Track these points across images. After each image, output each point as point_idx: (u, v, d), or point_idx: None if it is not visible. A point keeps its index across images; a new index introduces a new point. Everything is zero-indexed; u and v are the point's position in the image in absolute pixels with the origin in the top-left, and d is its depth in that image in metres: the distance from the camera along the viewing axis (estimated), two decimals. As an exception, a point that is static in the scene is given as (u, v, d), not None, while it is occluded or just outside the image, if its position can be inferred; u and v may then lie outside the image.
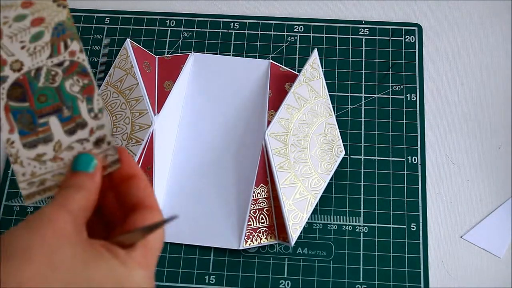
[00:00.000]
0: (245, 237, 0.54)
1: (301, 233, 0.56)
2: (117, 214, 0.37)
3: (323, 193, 0.56)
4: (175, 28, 0.66)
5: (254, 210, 0.54)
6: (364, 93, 0.62)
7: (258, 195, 0.54)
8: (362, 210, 0.57)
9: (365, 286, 0.54)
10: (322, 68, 0.61)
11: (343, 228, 0.57)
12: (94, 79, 0.39)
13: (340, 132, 0.59)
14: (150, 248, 0.34)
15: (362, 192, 0.58)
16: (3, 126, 0.39)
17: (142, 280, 0.32)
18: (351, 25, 0.65)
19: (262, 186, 0.55)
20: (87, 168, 0.37)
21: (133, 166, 0.38)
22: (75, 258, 0.30)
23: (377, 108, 0.61)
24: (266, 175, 0.55)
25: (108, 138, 0.39)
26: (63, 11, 0.39)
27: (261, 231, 0.54)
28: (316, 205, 0.56)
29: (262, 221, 0.54)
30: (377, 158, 0.59)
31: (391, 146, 0.60)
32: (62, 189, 0.35)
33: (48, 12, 0.39)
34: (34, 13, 0.38)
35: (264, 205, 0.54)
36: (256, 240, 0.54)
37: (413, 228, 0.56)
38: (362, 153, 0.60)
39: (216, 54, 0.64)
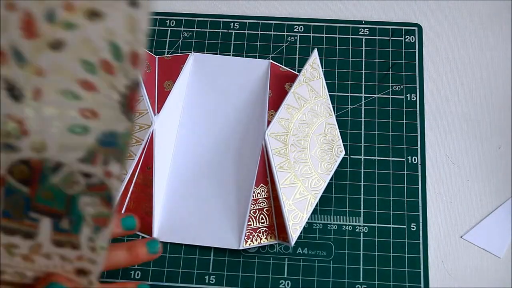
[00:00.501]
0: (245, 237, 0.54)
1: (301, 233, 0.56)
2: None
3: (323, 193, 0.56)
4: (175, 28, 0.66)
5: (254, 210, 0.54)
6: (364, 93, 0.62)
7: (258, 195, 0.54)
8: (362, 210, 0.57)
9: (365, 286, 0.54)
10: (322, 68, 0.61)
11: (343, 228, 0.57)
12: (113, 215, 0.32)
13: (340, 132, 0.59)
14: None
15: (362, 192, 0.58)
16: None
17: None
18: (351, 25, 0.65)
19: (262, 186, 0.55)
20: (152, 249, 0.38)
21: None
22: None
23: (377, 108, 0.61)
24: (266, 175, 0.55)
25: (92, 277, 0.34)
26: (126, 123, 0.29)
27: (261, 231, 0.54)
28: (316, 205, 0.56)
29: (262, 221, 0.54)
30: (377, 158, 0.59)
31: (391, 146, 0.60)
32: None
33: (107, 111, 0.29)
34: (89, 101, 0.29)
35: (264, 205, 0.54)
36: (256, 240, 0.54)
37: (413, 228, 0.56)
38: (362, 153, 0.60)
39: (216, 54, 0.64)
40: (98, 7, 0.27)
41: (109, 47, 0.28)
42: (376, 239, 0.56)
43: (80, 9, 0.27)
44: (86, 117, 0.29)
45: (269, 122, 0.56)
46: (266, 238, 0.54)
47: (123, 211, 0.55)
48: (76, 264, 0.34)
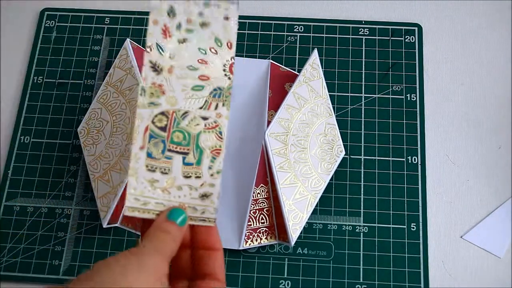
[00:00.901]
0: (245, 237, 0.54)
1: (301, 233, 0.56)
2: (184, 269, 0.42)
3: (323, 193, 0.56)
4: (175, 28, 0.66)
5: (254, 210, 0.54)
6: (364, 93, 0.62)
7: (258, 195, 0.54)
8: (362, 210, 0.57)
9: (365, 286, 0.54)
10: (322, 68, 0.61)
11: (343, 228, 0.57)
12: (224, 147, 0.45)
13: (340, 132, 0.59)
14: None
15: (362, 192, 0.58)
16: (136, 141, 0.45)
17: None
18: (351, 25, 0.65)
19: (262, 186, 0.55)
20: (178, 221, 0.42)
21: (218, 241, 0.43)
22: None
23: (377, 108, 0.61)
24: (266, 175, 0.55)
25: (214, 197, 0.45)
26: (227, 81, 0.47)
27: (261, 231, 0.54)
28: (316, 205, 0.56)
29: (262, 221, 0.54)
30: (377, 158, 0.59)
31: (391, 146, 0.60)
32: (157, 230, 0.40)
33: (215, 75, 0.47)
34: (204, 71, 0.47)
35: (264, 205, 0.54)
36: (256, 240, 0.54)
37: (413, 228, 0.56)
38: (362, 153, 0.60)
39: (216, 54, 0.64)
40: (206, 20, 0.47)
41: (213, 40, 0.47)
42: (376, 239, 0.56)
43: (195, 23, 0.47)
44: (202, 79, 0.47)
45: (269, 122, 0.56)
46: (266, 238, 0.54)
47: (123, 211, 0.55)
48: (200, 190, 0.45)
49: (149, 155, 0.45)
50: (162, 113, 0.46)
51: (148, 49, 0.47)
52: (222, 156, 0.45)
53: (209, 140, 0.46)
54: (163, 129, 0.46)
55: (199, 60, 0.48)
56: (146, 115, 0.46)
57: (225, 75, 0.48)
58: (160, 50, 0.48)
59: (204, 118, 0.46)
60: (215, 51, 0.48)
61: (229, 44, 0.48)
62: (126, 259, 0.37)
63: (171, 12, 0.48)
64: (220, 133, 0.46)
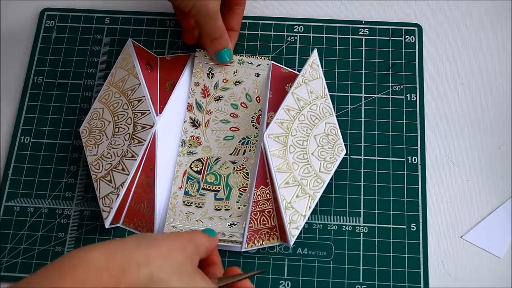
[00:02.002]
0: (247, 239, 0.54)
1: (301, 233, 0.56)
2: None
3: (323, 193, 0.56)
4: (175, 28, 0.66)
5: (255, 212, 0.54)
6: (364, 93, 0.62)
7: (259, 196, 0.54)
8: (362, 210, 0.57)
9: (365, 286, 0.55)
10: (322, 68, 0.61)
11: (343, 229, 0.57)
12: (253, 187, 0.54)
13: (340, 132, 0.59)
14: None
15: (362, 192, 0.58)
16: (176, 183, 0.57)
17: None
18: (351, 25, 0.65)
19: (262, 188, 0.55)
20: (211, 234, 0.49)
21: (218, 260, 0.50)
22: (184, 264, 0.42)
23: (377, 108, 0.61)
24: (266, 177, 0.55)
25: (240, 225, 0.54)
26: (254, 130, 0.58)
27: (263, 232, 0.54)
28: (316, 205, 0.56)
29: (264, 222, 0.54)
30: (377, 158, 0.59)
31: (391, 146, 0.60)
32: (195, 232, 0.47)
33: (244, 126, 0.58)
34: (235, 123, 0.58)
35: (265, 207, 0.54)
36: (258, 241, 0.54)
37: (413, 228, 0.57)
38: (362, 153, 0.60)
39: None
40: (240, 79, 0.60)
41: (245, 95, 0.59)
42: (376, 239, 0.56)
43: (230, 81, 0.59)
44: (233, 131, 0.58)
45: (268, 124, 0.56)
46: (268, 239, 0.54)
47: (124, 211, 0.56)
48: (229, 220, 0.55)
49: (186, 193, 0.56)
50: (198, 160, 0.57)
51: (189, 107, 0.59)
52: (248, 192, 0.56)
53: (237, 179, 0.56)
54: (198, 172, 0.57)
55: (231, 114, 0.58)
56: (184, 161, 0.57)
57: (253, 125, 0.58)
58: (199, 108, 0.59)
59: (233, 162, 0.57)
60: (245, 105, 0.58)
61: (257, 98, 0.58)
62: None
63: (210, 74, 0.60)
64: (247, 173, 0.56)
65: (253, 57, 0.61)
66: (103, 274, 0.37)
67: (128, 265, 0.38)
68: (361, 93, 0.62)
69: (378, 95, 0.62)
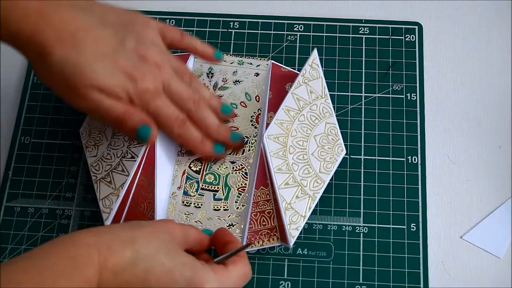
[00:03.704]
0: (247, 240, 0.54)
1: (300, 233, 0.56)
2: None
3: (323, 193, 0.56)
4: (175, 28, 0.65)
5: (255, 213, 0.54)
6: (364, 93, 0.62)
7: (259, 197, 0.54)
8: (362, 211, 0.57)
9: (365, 286, 0.55)
10: (322, 67, 0.61)
11: (343, 229, 0.57)
12: (252, 188, 0.54)
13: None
14: (229, 271, 0.46)
15: (362, 192, 0.58)
16: (176, 182, 0.57)
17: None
18: (351, 24, 0.65)
19: (262, 189, 0.55)
20: (207, 232, 0.52)
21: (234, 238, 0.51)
22: (170, 242, 0.45)
23: (377, 107, 0.61)
24: (266, 178, 0.55)
25: (239, 226, 0.54)
26: (254, 130, 0.58)
27: (263, 233, 0.54)
28: (316, 206, 0.56)
29: (264, 223, 0.54)
30: (377, 158, 0.59)
31: (391, 146, 0.60)
32: (187, 224, 0.50)
33: (243, 125, 0.58)
34: (234, 122, 0.58)
35: (265, 207, 0.54)
36: (258, 242, 0.54)
37: (413, 228, 0.57)
38: (362, 153, 0.60)
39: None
40: (239, 78, 0.60)
41: (244, 94, 0.59)
42: (376, 239, 0.56)
43: (230, 80, 0.59)
44: (233, 130, 0.57)
45: (268, 125, 0.56)
46: (268, 240, 0.54)
47: (124, 212, 0.56)
48: (227, 220, 0.55)
49: (185, 193, 0.56)
50: (197, 159, 0.57)
51: None
52: (247, 192, 0.55)
53: (236, 179, 0.56)
54: (197, 172, 0.57)
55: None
56: (183, 160, 0.57)
57: (252, 124, 0.58)
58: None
59: (232, 162, 0.57)
60: (245, 104, 0.59)
61: (257, 97, 0.58)
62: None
63: (210, 73, 0.60)
64: (246, 173, 0.56)
65: (253, 58, 0.61)
66: (92, 251, 0.41)
67: (113, 243, 0.42)
68: (361, 93, 0.62)
69: (378, 95, 0.62)
